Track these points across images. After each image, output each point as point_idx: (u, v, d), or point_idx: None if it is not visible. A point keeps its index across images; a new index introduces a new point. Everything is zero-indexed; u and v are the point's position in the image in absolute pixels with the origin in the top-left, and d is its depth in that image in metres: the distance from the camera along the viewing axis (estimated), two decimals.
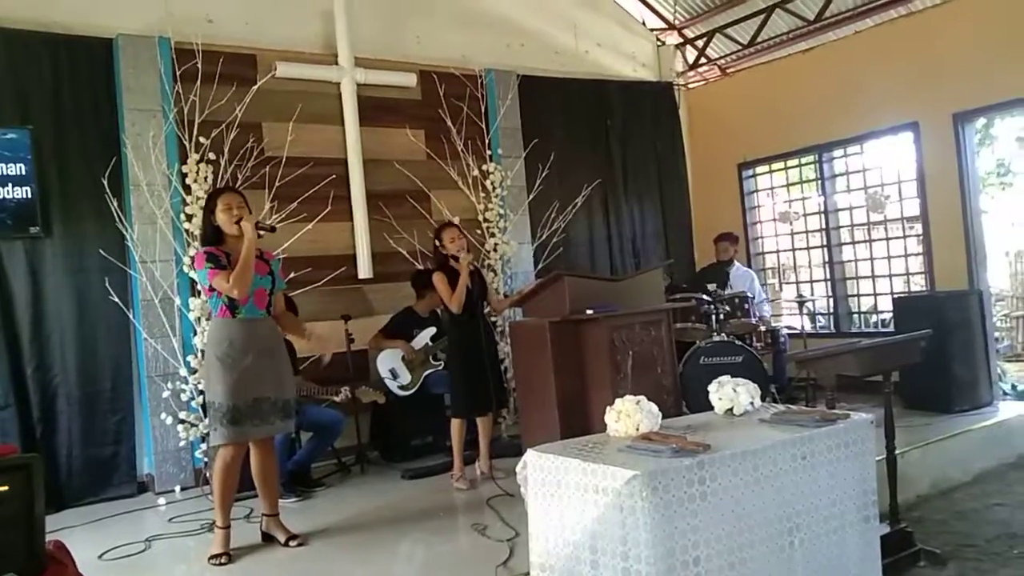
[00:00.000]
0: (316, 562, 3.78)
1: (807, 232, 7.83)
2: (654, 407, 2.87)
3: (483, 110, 6.80)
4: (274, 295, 3.93)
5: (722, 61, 8.38)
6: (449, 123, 6.55)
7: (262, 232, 3.85)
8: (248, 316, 3.80)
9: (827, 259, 7.66)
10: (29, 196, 4.91)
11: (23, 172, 4.90)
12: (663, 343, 4.67)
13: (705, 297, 6.20)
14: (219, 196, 3.89)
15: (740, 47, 8.07)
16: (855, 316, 7.71)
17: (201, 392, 5.13)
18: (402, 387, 5.64)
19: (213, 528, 3.91)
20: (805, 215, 7.81)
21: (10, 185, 4.87)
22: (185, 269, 5.24)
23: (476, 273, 4.93)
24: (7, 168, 4.86)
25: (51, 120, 5.07)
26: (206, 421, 5.03)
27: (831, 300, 7.62)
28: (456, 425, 4.90)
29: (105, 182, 5.07)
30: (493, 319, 6.28)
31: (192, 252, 5.21)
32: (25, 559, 2.07)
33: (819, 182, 7.69)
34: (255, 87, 5.69)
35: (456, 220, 5.61)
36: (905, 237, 7.16)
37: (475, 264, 4.93)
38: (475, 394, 4.77)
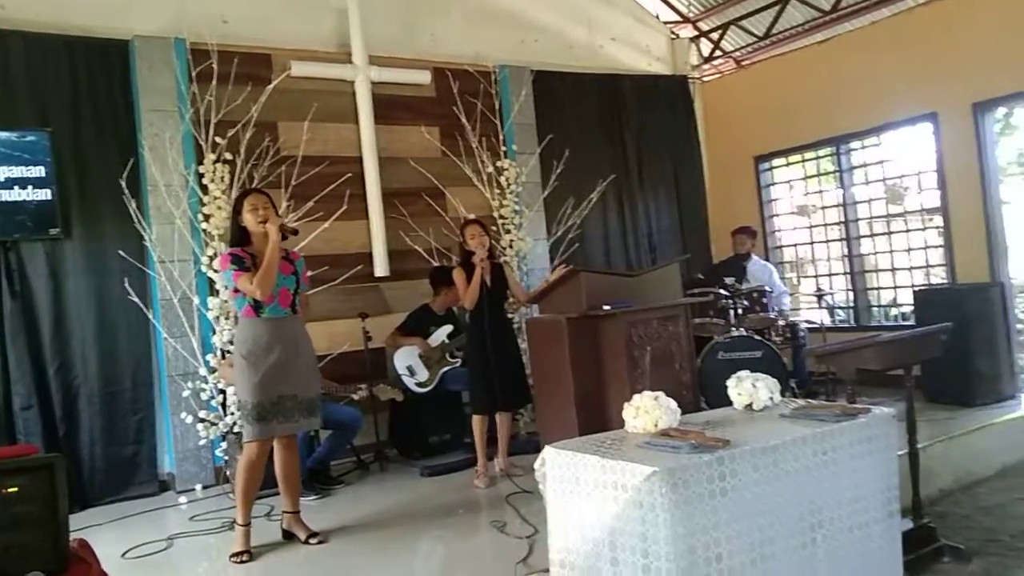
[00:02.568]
0: (336, 560, 3.79)
1: (825, 225, 7.77)
2: (673, 403, 2.85)
3: (497, 106, 6.80)
4: (299, 294, 3.95)
5: (737, 54, 8.32)
6: (463, 120, 6.55)
7: (287, 235, 3.87)
8: (272, 315, 3.83)
9: (846, 252, 7.59)
10: (49, 198, 4.96)
11: (43, 174, 4.95)
12: (681, 338, 4.64)
13: (723, 292, 6.16)
14: (246, 197, 3.91)
15: (755, 39, 8.01)
16: (875, 309, 7.65)
17: (221, 391, 5.18)
18: (419, 384, 5.66)
19: (234, 526, 3.94)
20: (823, 208, 7.75)
21: (30, 187, 4.92)
22: (203, 268, 5.28)
23: (498, 269, 4.94)
24: (27, 170, 4.91)
25: (70, 122, 5.13)
26: (226, 419, 5.10)
27: (850, 293, 7.56)
28: (476, 421, 4.93)
29: (123, 183, 5.11)
30: (510, 315, 6.28)
31: (210, 252, 5.25)
32: (50, 558, 2.10)
33: (837, 174, 7.62)
34: (270, 86, 5.72)
35: (474, 217, 5.61)
36: (925, 229, 7.08)
37: (500, 260, 4.93)
38: (489, 390, 4.78)
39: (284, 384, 3.81)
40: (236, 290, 3.81)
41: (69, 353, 5.05)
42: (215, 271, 5.08)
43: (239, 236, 3.90)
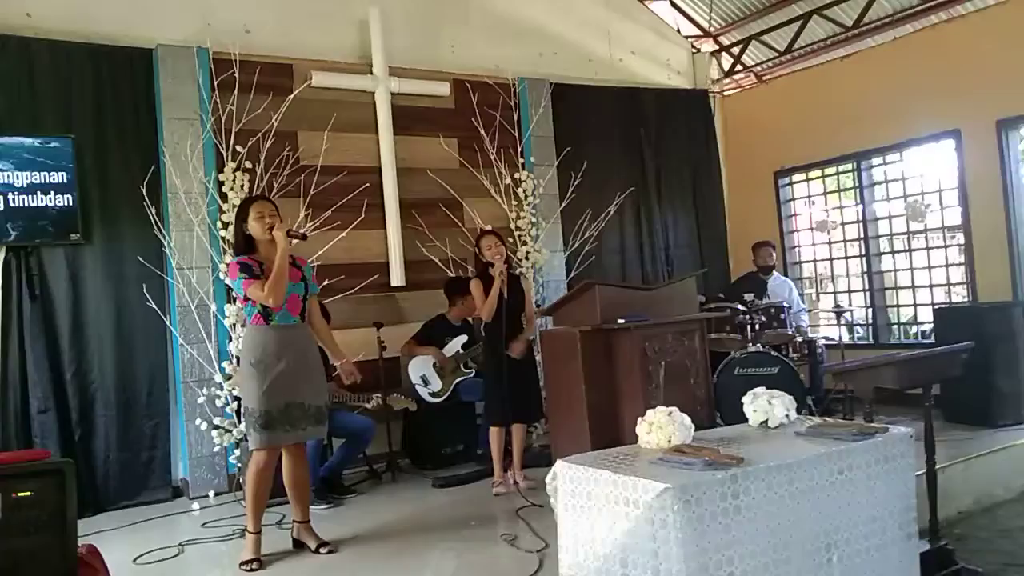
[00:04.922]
0: (346, 569, 3.78)
1: (845, 241, 7.70)
2: (687, 419, 2.82)
3: (516, 118, 6.80)
4: (307, 301, 3.95)
5: (758, 68, 8.29)
6: (482, 131, 6.56)
7: (294, 240, 3.88)
8: (281, 323, 3.82)
9: (866, 269, 7.51)
10: (71, 204, 5.01)
11: (65, 180, 5.00)
12: (696, 353, 4.61)
13: (740, 307, 6.11)
14: (251, 204, 3.91)
15: (777, 54, 7.97)
16: (894, 327, 7.55)
17: (236, 398, 5.19)
18: (433, 394, 5.65)
19: (245, 533, 3.93)
20: (843, 224, 7.68)
21: (52, 193, 4.97)
22: (221, 276, 5.31)
23: (516, 281, 4.93)
24: (50, 176, 4.97)
25: (92, 129, 5.19)
26: (241, 426, 5.10)
27: (870, 311, 7.48)
28: (493, 433, 4.88)
29: (144, 190, 5.17)
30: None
31: (228, 259, 5.28)
32: (57, 563, 2.09)
33: (857, 190, 7.56)
34: (291, 96, 5.76)
35: (490, 228, 5.62)
36: (946, 247, 7.01)
37: (519, 272, 4.92)
38: (506, 402, 4.75)
39: (292, 392, 3.79)
40: (246, 298, 3.82)
41: (86, 358, 5.08)
42: (231, 281, 5.10)
43: (244, 244, 3.90)
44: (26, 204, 4.89)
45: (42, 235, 4.95)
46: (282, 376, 3.76)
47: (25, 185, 4.90)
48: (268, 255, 3.80)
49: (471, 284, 4.93)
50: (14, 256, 4.90)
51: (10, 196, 4.86)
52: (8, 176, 4.86)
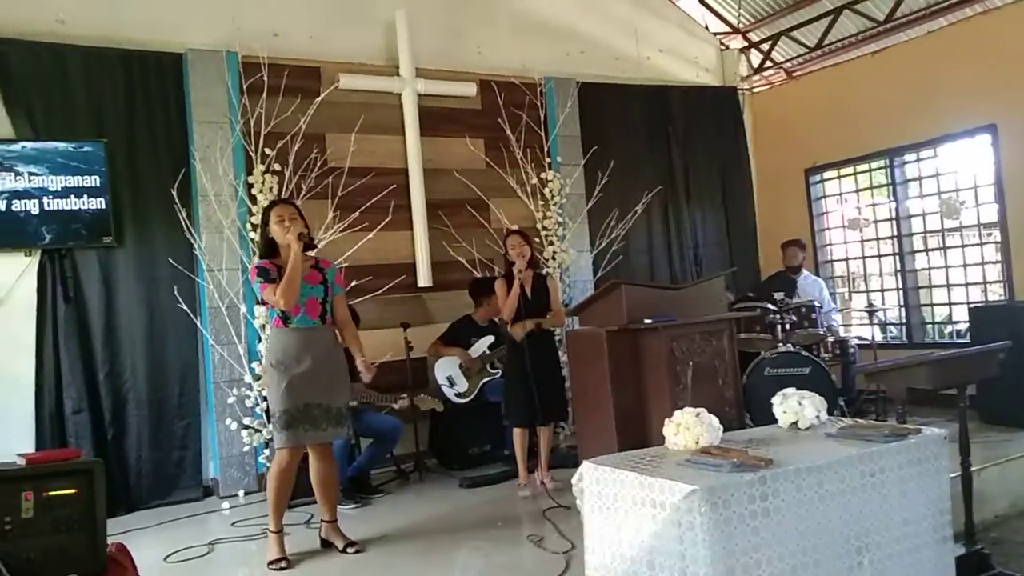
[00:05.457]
0: (373, 569, 3.79)
1: (878, 239, 7.57)
2: (715, 420, 2.79)
3: (542, 118, 6.79)
4: (329, 303, 3.96)
5: (788, 64, 8.19)
6: (508, 132, 6.56)
7: (316, 246, 3.89)
8: (300, 325, 3.85)
9: (899, 267, 7.39)
10: (103, 207, 5.09)
11: (98, 184, 5.08)
12: (725, 354, 4.56)
13: (770, 306, 6.04)
14: (272, 208, 3.94)
15: (807, 50, 7.87)
16: (928, 327, 7.42)
17: (265, 398, 5.23)
18: (459, 395, 5.65)
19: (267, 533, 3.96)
20: (876, 222, 7.55)
21: (85, 197, 5.05)
22: (249, 278, 5.36)
23: (541, 281, 4.92)
24: (83, 180, 5.05)
25: (124, 133, 5.26)
26: (270, 426, 5.14)
27: (903, 310, 7.35)
28: (517, 434, 4.89)
29: (174, 193, 5.22)
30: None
31: (257, 260, 5.32)
32: (87, 561, 2.12)
33: (890, 187, 7.43)
34: (319, 99, 5.80)
35: (516, 228, 5.61)
36: (982, 244, 6.86)
37: (545, 272, 4.90)
38: (528, 403, 4.73)
39: (311, 393, 3.81)
40: (264, 301, 3.84)
41: (119, 359, 5.16)
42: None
43: (268, 247, 3.93)
44: (60, 208, 4.98)
45: (75, 238, 5.03)
46: (301, 377, 3.79)
47: (59, 189, 4.98)
48: (288, 258, 3.82)
49: (496, 284, 4.95)
50: (48, 259, 4.99)
51: (45, 200, 4.95)
52: (43, 180, 4.95)
